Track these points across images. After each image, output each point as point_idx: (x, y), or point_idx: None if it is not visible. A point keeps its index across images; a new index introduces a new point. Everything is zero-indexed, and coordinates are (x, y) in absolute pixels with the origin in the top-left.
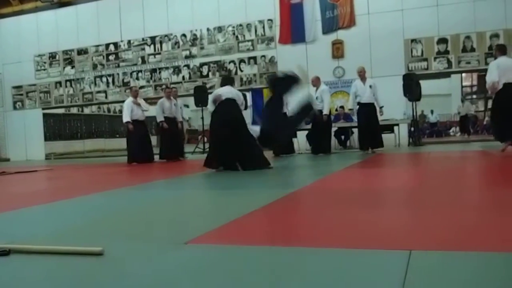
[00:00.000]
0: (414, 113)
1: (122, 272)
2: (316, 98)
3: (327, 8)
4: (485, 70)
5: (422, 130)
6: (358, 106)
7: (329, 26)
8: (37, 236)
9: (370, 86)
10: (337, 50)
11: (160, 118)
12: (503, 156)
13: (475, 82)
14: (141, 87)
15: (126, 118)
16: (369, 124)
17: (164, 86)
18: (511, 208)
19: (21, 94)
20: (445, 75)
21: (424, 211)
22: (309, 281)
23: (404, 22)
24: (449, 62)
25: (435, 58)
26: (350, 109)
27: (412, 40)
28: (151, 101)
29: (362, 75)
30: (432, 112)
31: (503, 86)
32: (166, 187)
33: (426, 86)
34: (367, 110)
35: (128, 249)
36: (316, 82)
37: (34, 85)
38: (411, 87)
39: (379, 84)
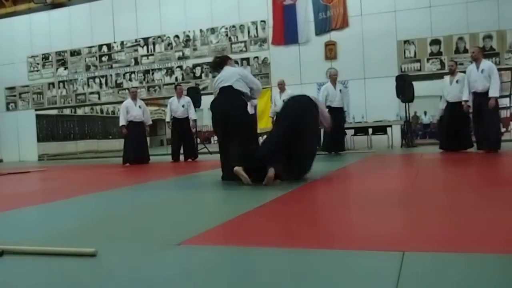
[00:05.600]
0: (407, 115)
1: (115, 274)
2: (283, 101)
3: (320, 9)
4: None
5: (415, 132)
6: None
7: (322, 27)
8: (30, 237)
9: (340, 91)
10: (330, 51)
11: (168, 118)
12: (494, 157)
13: None
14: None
15: (121, 121)
16: (338, 128)
17: (175, 84)
18: (503, 209)
19: (14, 95)
20: (438, 76)
21: (417, 212)
22: (301, 282)
23: (397, 24)
24: (442, 63)
25: (428, 59)
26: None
27: (405, 42)
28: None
29: (334, 78)
30: (425, 113)
31: None
32: (160, 188)
33: (419, 87)
34: (337, 114)
35: (121, 250)
36: (283, 86)
37: (27, 86)
38: (404, 89)
39: (372, 85)
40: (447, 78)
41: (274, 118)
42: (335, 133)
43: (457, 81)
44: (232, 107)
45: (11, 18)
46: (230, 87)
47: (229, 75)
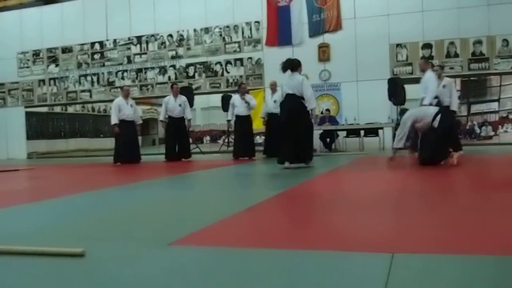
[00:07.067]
0: (399, 117)
1: (104, 274)
2: (274, 101)
3: (314, 11)
4: (469, 76)
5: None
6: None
7: (316, 29)
8: (17, 237)
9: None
10: (323, 53)
11: (162, 117)
12: (483, 159)
13: (458, 87)
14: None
15: (113, 120)
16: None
17: (172, 83)
18: (493, 211)
19: (3, 92)
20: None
21: (407, 214)
22: (291, 284)
23: (390, 27)
24: (433, 67)
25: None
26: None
27: (398, 45)
28: (135, 102)
29: (273, 88)
30: None
31: None
32: (152, 187)
33: (411, 90)
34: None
35: (110, 250)
36: (274, 86)
37: (17, 82)
38: (396, 91)
39: (365, 87)
40: None
41: (266, 118)
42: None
43: (444, 86)
44: (294, 111)
45: (1, 13)
46: (294, 94)
47: (294, 84)
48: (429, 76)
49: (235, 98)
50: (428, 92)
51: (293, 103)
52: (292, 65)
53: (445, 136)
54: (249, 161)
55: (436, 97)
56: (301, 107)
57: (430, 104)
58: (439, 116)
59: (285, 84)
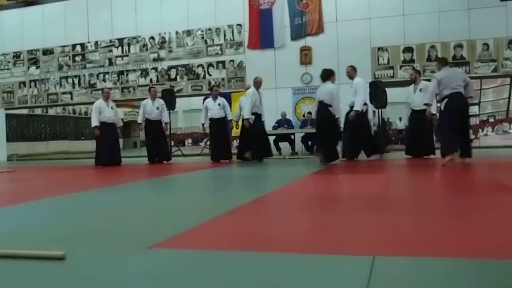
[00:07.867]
0: (380, 120)
1: (84, 278)
2: None
3: (296, 14)
4: None
5: (388, 137)
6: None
7: (298, 32)
8: None
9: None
10: (305, 56)
11: (140, 120)
12: (462, 164)
13: None
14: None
15: (93, 122)
16: (262, 135)
17: (149, 86)
18: (474, 214)
19: None
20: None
21: (388, 217)
22: (272, 286)
23: (371, 31)
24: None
25: (401, 67)
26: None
27: (379, 48)
28: (117, 104)
29: (258, 85)
30: (400, 119)
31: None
32: (133, 190)
33: (392, 94)
34: (259, 121)
35: (91, 254)
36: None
37: None
38: (377, 95)
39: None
40: (411, 86)
41: (237, 122)
42: (260, 140)
43: (420, 90)
44: (322, 115)
45: None
46: (322, 102)
47: (323, 93)
48: (358, 82)
49: (208, 101)
50: (357, 98)
51: (322, 110)
52: (324, 75)
53: (464, 117)
54: (229, 164)
55: (365, 104)
56: (328, 115)
57: (362, 111)
58: (445, 100)
59: (318, 92)
